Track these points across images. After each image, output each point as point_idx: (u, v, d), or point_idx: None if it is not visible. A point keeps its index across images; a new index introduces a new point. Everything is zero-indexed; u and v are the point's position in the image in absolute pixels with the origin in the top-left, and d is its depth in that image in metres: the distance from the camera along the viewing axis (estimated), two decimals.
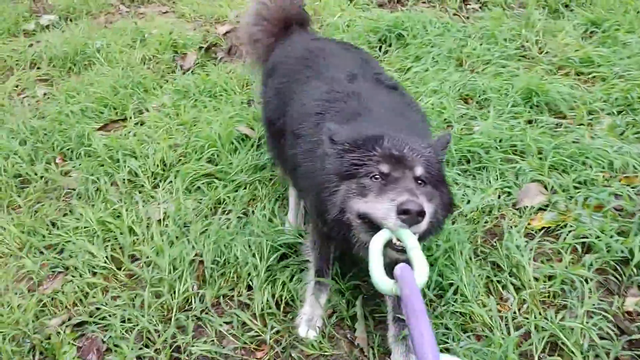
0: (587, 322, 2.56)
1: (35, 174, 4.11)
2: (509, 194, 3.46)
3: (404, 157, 2.03)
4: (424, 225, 1.86)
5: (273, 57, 3.49)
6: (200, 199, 3.68)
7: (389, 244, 1.82)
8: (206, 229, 3.37)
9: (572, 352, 2.46)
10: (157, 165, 4.01)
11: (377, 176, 1.99)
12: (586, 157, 3.57)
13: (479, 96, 4.41)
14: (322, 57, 3.06)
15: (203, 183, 3.81)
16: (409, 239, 1.75)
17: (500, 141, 3.81)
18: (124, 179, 3.93)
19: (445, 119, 4.16)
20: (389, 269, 1.64)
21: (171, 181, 3.86)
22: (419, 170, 2.03)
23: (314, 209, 2.35)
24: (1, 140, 4.45)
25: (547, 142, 3.71)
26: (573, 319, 2.59)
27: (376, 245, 1.74)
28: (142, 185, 3.87)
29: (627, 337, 2.54)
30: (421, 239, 2.02)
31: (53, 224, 3.64)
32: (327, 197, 2.11)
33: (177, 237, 3.34)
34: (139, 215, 3.55)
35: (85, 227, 3.51)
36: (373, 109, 2.52)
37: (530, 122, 4.10)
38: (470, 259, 2.98)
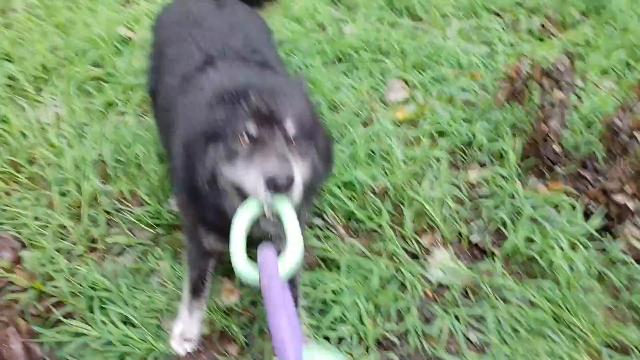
0: (444, 191, 3.18)
1: None
2: (377, 89, 3.97)
3: (273, 114, 1.82)
4: (296, 191, 1.70)
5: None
6: (91, 102, 3.77)
7: (263, 216, 1.66)
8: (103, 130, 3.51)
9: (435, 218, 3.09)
10: (37, 69, 3.97)
11: (244, 136, 1.80)
12: (439, 56, 4.16)
13: None
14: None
15: (90, 86, 3.87)
16: (284, 208, 1.60)
17: (368, 42, 4.27)
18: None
19: (318, 23, 4.52)
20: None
21: (56, 85, 3.87)
22: (290, 127, 1.83)
23: (185, 189, 2.11)
24: None
25: (408, 43, 4.24)
26: (434, 190, 3.22)
27: (240, 225, 1.49)
28: (25, 90, 3.84)
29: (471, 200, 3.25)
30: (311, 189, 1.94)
31: None
32: (195, 163, 1.93)
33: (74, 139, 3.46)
34: (28, 120, 3.58)
35: None
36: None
37: (392, 24, 4.59)
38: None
